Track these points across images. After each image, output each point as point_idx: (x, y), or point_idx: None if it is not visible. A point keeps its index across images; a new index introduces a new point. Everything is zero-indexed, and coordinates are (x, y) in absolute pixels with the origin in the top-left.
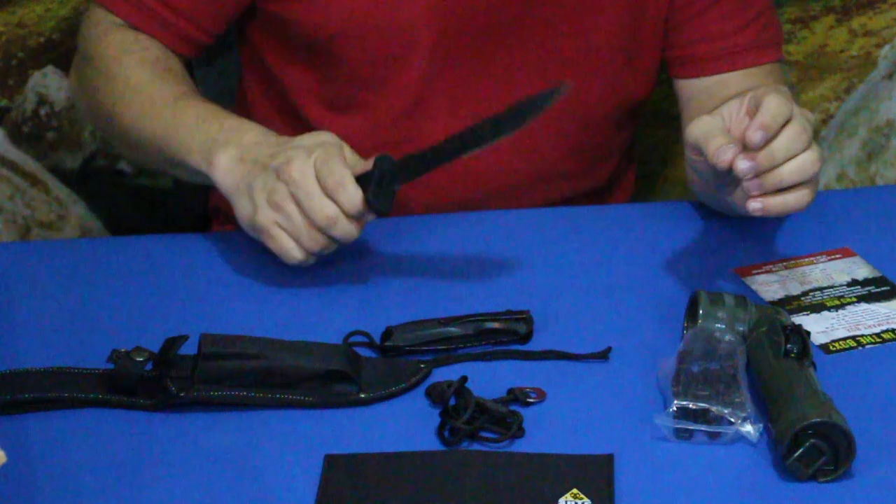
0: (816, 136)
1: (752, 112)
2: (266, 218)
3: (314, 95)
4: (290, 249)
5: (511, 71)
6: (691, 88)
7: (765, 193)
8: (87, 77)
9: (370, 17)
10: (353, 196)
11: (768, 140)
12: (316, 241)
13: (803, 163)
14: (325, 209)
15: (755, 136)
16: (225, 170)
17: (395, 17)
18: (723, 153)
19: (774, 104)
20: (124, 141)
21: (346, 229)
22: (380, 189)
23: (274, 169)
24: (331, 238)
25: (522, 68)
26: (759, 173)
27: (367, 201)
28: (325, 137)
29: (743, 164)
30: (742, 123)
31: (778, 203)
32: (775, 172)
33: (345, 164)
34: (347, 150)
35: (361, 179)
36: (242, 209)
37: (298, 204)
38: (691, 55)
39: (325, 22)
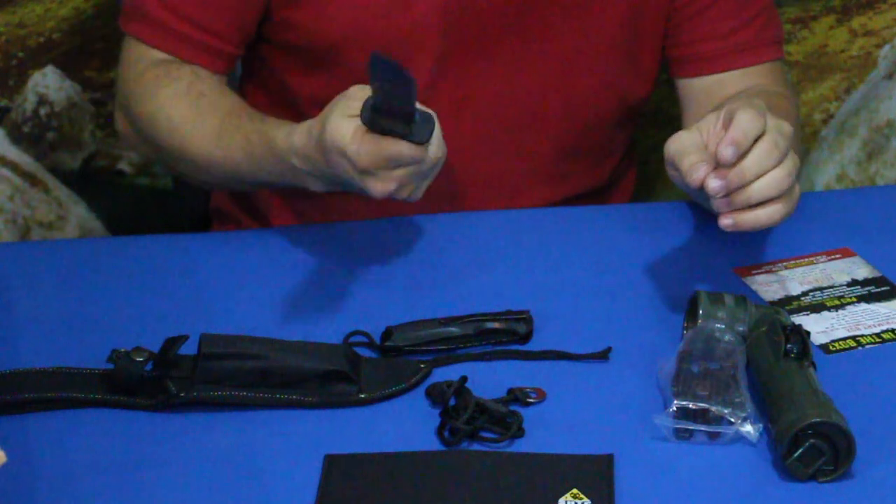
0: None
1: (728, 126)
2: (396, 195)
3: (317, 99)
4: (427, 185)
5: (512, 72)
6: (691, 88)
7: (736, 209)
8: (131, 121)
9: (375, 24)
10: (415, 150)
11: (740, 156)
12: (438, 164)
13: (773, 180)
14: (429, 168)
15: (726, 153)
16: (327, 189)
17: (400, 22)
18: (694, 171)
19: (746, 119)
20: (196, 177)
21: (442, 148)
22: (393, 120)
23: (366, 189)
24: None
25: (524, 69)
26: (729, 191)
27: (411, 140)
28: (333, 128)
29: (714, 184)
30: (718, 137)
31: (749, 219)
32: (744, 190)
33: (382, 142)
34: (351, 99)
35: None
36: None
37: (409, 182)
38: (690, 55)
39: (331, 28)
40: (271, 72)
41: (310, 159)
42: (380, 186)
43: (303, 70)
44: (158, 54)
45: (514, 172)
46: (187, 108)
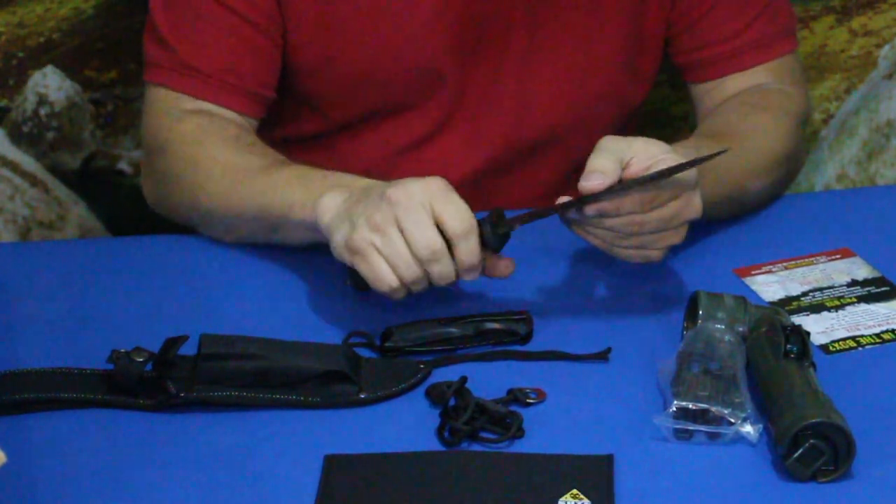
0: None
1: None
2: (363, 238)
3: (335, 126)
4: (384, 274)
5: (522, 86)
6: (696, 91)
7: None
8: (162, 169)
9: (394, 59)
10: (468, 223)
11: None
12: (413, 272)
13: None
14: (429, 239)
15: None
16: (327, 206)
17: (417, 56)
18: (593, 177)
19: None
20: (215, 220)
21: (446, 269)
22: (493, 228)
23: (382, 194)
24: (428, 273)
25: (533, 84)
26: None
27: (482, 237)
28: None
29: (590, 211)
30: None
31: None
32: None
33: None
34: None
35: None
36: (338, 234)
37: (402, 231)
38: (694, 61)
39: (341, 70)
40: (285, 101)
41: (351, 187)
42: (401, 188)
43: (320, 102)
44: (190, 103)
45: (525, 197)
46: (234, 150)
